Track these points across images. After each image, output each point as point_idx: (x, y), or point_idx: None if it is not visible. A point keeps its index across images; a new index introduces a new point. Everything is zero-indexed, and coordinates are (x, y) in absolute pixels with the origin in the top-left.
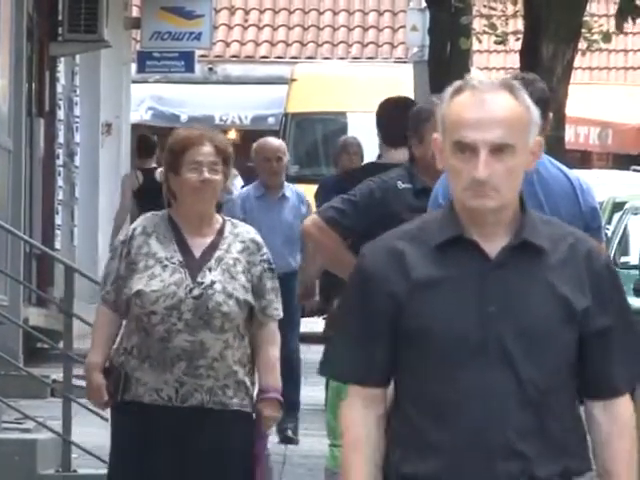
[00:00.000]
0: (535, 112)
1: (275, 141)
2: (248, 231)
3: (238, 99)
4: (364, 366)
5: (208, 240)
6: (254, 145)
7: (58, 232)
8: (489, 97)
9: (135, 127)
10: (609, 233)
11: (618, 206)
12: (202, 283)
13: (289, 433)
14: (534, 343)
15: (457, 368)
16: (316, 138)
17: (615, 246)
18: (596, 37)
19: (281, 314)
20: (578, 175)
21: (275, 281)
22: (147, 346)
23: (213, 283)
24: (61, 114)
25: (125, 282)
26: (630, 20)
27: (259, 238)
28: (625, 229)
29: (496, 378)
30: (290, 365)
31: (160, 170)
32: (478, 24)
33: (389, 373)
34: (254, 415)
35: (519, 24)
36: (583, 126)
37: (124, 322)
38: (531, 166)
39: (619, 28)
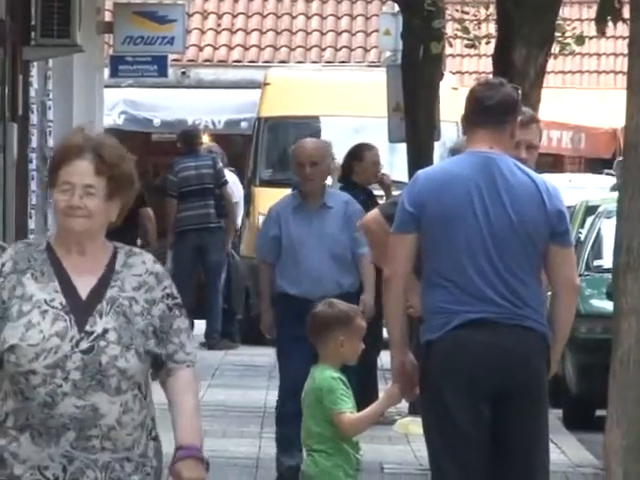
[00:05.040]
0: None
1: (310, 143)
2: (144, 260)
3: (211, 103)
4: None
5: (97, 276)
6: (291, 148)
7: (31, 237)
8: None
9: (108, 132)
10: (582, 237)
11: (591, 210)
12: (92, 333)
13: None
14: None
15: None
16: (289, 142)
17: (588, 249)
18: (569, 41)
19: (195, 359)
20: (545, 178)
21: (184, 319)
22: (26, 413)
23: (106, 332)
24: (34, 118)
25: None
26: (611, 23)
27: (159, 267)
28: (598, 233)
29: None
30: None
31: None
32: (451, 28)
33: None
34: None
35: (492, 28)
36: (556, 130)
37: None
38: None
39: (600, 31)
